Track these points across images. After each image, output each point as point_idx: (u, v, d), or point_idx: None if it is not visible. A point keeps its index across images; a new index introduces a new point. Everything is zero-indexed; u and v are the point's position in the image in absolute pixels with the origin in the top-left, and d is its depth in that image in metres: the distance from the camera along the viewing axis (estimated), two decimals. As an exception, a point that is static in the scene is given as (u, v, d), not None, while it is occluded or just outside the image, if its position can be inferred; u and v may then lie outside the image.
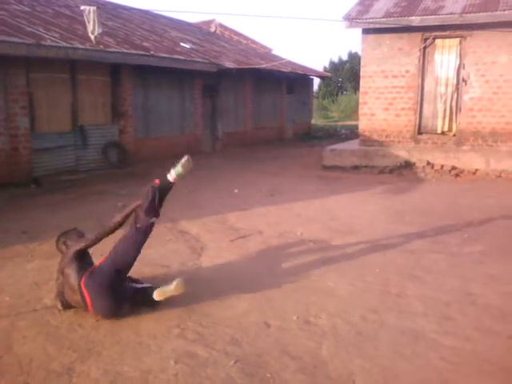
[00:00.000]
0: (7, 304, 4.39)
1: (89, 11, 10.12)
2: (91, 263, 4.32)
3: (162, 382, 3.20)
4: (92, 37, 10.28)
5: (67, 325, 3.99)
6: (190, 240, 6.45)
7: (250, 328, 3.92)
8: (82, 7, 10.28)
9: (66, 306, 4.20)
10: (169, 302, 4.27)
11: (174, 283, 4.18)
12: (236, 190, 9.80)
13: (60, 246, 4.47)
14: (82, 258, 4.26)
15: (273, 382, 3.21)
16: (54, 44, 10.40)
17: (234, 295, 4.52)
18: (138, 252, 4.23)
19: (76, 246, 4.27)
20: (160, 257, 5.66)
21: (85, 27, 10.56)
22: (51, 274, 5.06)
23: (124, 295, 4.15)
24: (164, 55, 13.93)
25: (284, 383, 3.20)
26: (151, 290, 4.21)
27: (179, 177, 4.39)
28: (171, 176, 4.39)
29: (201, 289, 4.66)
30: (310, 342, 3.73)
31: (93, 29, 10.14)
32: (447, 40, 12.25)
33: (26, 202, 8.81)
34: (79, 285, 4.02)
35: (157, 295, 4.14)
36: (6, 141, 10.32)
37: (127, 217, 4.31)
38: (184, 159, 4.42)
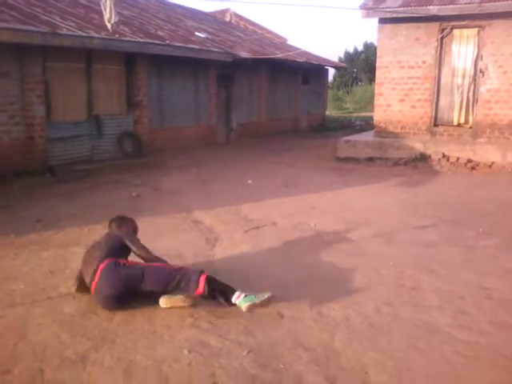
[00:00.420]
0: (22, 292, 4.42)
1: (106, -1, 10.12)
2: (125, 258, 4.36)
3: (175, 371, 3.21)
4: (109, 25, 10.28)
5: (82, 313, 4.02)
6: (204, 230, 6.46)
7: (263, 318, 3.91)
8: (100, -5, 10.29)
9: (80, 288, 4.27)
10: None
11: (176, 297, 4.05)
12: (250, 181, 9.79)
13: (112, 226, 4.58)
14: (124, 251, 4.31)
15: (285, 372, 3.21)
16: (69, 33, 10.42)
17: (247, 285, 4.51)
18: (163, 288, 4.06)
19: (129, 240, 4.33)
20: (174, 247, 5.65)
21: (101, 16, 10.56)
22: (66, 263, 5.13)
23: (130, 300, 4.12)
24: (179, 44, 13.90)
25: (297, 374, 3.19)
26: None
27: (241, 307, 3.90)
28: (235, 298, 3.92)
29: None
30: (323, 333, 3.72)
31: (109, 17, 10.12)
32: (465, 30, 12.08)
33: (40, 190, 8.88)
34: (101, 262, 4.03)
35: (162, 302, 4.05)
36: (21, 130, 10.39)
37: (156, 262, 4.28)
38: (266, 297, 3.93)
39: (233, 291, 3.98)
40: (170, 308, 4.04)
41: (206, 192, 8.88)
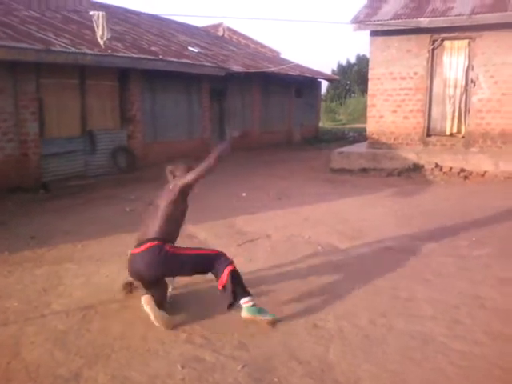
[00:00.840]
0: (16, 309, 4.40)
1: (98, 16, 10.20)
2: (184, 212, 4.51)
3: (169, 387, 3.20)
4: (101, 42, 10.36)
5: (75, 330, 3.99)
6: (198, 245, 6.44)
7: (257, 332, 3.90)
8: (92, 12, 10.37)
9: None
10: (176, 308, 4.28)
11: (161, 314, 4.01)
12: (244, 194, 9.80)
13: (167, 175, 4.65)
14: (185, 197, 4.43)
15: (280, 386, 3.20)
16: (63, 49, 10.47)
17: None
18: (197, 273, 4.29)
19: (182, 179, 4.38)
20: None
21: (93, 32, 10.64)
22: (60, 280, 5.11)
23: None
24: (172, 59, 13.96)
25: (291, 388, 3.19)
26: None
27: (242, 311, 3.97)
28: (244, 302, 3.97)
29: (208, 294, 4.65)
30: (318, 345, 3.71)
31: (102, 34, 10.21)
32: (456, 41, 12.18)
33: (34, 207, 8.86)
34: (152, 239, 4.06)
35: (143, 299, 4.07)
36: (15, 146, 10.40)
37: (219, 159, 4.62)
38: (269, 318, 3.99)
39: (245, 294, 4.02)
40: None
41: (199, 206, 8.84)
